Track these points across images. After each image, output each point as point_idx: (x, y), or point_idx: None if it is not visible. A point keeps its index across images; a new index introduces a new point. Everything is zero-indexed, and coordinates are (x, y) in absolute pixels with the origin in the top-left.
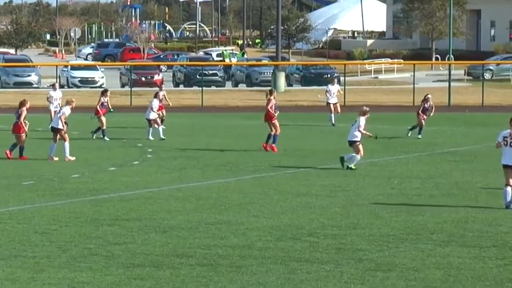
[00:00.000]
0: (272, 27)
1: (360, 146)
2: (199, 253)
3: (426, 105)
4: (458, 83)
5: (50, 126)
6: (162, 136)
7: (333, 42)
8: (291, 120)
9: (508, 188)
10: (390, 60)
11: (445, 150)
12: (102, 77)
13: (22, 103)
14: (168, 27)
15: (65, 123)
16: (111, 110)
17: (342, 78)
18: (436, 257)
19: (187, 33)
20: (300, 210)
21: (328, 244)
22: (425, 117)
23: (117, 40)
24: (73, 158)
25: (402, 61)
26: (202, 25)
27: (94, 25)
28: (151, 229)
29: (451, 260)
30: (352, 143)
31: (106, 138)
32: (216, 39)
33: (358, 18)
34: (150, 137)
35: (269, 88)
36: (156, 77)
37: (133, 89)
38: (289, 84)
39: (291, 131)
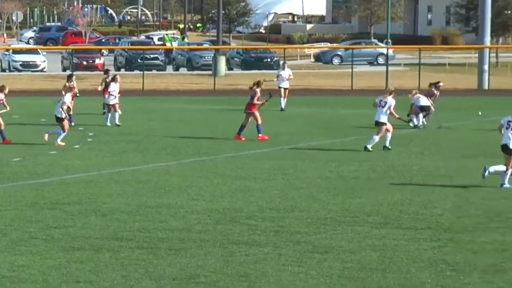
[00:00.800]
0: (213, 11)
1: (389, 126)
2: (139, 236)
3: (436, 92)
4: (396, 67)
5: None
6: (117, 122)
7: (273, 27)
8: (232, 104)
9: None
10: (329, 45)
11: None
12: (44, 61)
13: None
14: (110, 11)
15: (67, 110)
16: (78, 95)
17: (281, 62)
18: (372, 239)
19: (129, 17)
20: (239, 193)
21: (267, 226)
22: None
23: (59, 24)
24: (63, 144)
25: (341, 45)
26: (144, 9)
27: (36, 9)
28: (91, 213)
29: (387, 242)
30: (380, 124)
31: (71, 123)
32: (158, 23)
33: (298, 2)
34: (108, 123)
35: (258, 79)
36: (97, 61)
37: (75, 73)
38: (229, 68)
39: (231, 115)
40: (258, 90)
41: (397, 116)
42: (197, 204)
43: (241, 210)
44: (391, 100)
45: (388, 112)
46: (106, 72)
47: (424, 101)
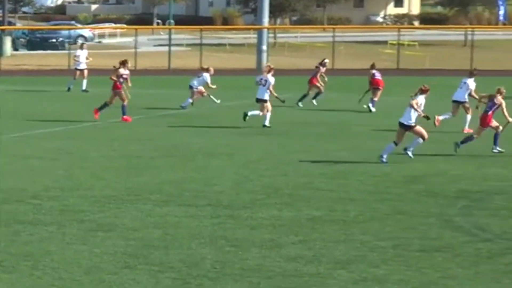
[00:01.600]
0: None
1: (268, 104)
2: None
3: (322, 69)
4: (178, 48)
5: None
6: None
7: (58, 7)
8: (17, 84)
9: (393, 144)
10: (113, 25)
11: (165, 112)
12: None
13: None
14: None
15: None
16: None
17: (80, 43)
18: (155, 217)
19: None
20: (24, 173)
21: (51, 206)
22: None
23: None
24: None
25: (125, 26)
26: None
27: None
28: None
29: (169, 219)
30: (261, 101)
31: None
32: None
33: None
34: None
35: (124, 59)
36: None
37: None
38: (15, 48)
39: (17, 96)
40: (122, 69)
41: (275, 95)
42: None
43: (26, 190)
44: (271, 78)
45: (268, 90)
46: None
47: (196, 81)
